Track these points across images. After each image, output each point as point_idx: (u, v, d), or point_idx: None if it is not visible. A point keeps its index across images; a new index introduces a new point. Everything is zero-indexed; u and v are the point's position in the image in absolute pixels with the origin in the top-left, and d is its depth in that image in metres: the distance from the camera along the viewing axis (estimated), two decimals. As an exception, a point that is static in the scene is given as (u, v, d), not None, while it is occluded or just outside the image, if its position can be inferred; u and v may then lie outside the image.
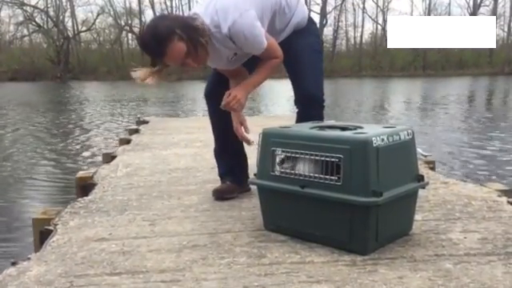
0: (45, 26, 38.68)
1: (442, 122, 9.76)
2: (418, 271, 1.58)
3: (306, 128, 1.94)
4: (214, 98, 2.41)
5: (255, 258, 1.72)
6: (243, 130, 2.28)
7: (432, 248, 1.77)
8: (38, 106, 15.04)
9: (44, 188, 5.16)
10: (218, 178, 2.59)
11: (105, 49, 39.29)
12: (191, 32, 1.98)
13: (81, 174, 3.13)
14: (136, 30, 39.43)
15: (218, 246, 1.85)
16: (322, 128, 1.92)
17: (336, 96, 16.61)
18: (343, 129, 1.87)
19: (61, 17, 39.00)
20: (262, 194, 2.01)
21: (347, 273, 1.58)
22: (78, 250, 1.84)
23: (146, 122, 6.17)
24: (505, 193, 2.44)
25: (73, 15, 39.45)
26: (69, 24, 39.57)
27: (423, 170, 2.97)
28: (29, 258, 1.77)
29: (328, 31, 38.29)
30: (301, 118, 2.29)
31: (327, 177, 1.73)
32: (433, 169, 3.29)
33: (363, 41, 40.91)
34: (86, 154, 7.01)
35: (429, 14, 38.70)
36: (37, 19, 38.74)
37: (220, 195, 2.45)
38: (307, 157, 1.79)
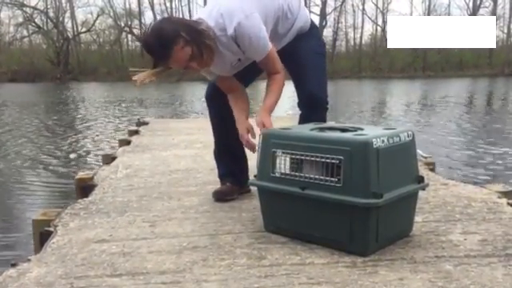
0: (44, 27, 38.64)
1: (442, 124, 9.76)
2: (419, 273, 1.58)
3: (307, 129, 1.94)
4: (215, 100, 2.42)
5: (255, 260, 1.72)
6: (249, 136, 2.25)
7: (432, 249, 1.77)
8: (37, 107, 15.04)
9: (44, 188, 5.16)
10: (218, 179, 2.59)
11: (104, 50, 39.25)
12: (196, 35, 1.98)
13: (81, 175, 3.12)
14: (136, 31, 39.47)
15: (218, 247, 1.85)
16: (322, 129, 1.92)
17: (336, 97, 16.58)
18: (343, 130, 1.87)
19: (60, 18, 38.98)
20: (262, 196, 2.01)
21: (347, 274, 1.58)
22: (78, 251, 1.84)
23: (145, 123, 6.17)
24: (505, 194, 2.44)
25: (72, 16, 39.43)
26: (68, 25, 39.58)
27: (423, 171, 2.97)
28: (29, 260, 1.76)
29: (328, 32, 38.26)
30: (304, 120, 2.29)
31: (327, 178, 1.73)
32: (433, 170, 3.29)
33: (363, 42, 40.94)
34: (84, 154, 7.01)
35: (428, 15, 38.73)
36: (36, 20, 38.74)
37: (220, 197, 2.45)
38: (308, 158, 1.79)
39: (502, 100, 16.22)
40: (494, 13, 36.35)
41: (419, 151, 3.24)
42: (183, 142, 4.49)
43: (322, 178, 1.75)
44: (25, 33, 39.43)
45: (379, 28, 39.64)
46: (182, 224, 2.13)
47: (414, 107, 13.79)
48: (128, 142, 4.66)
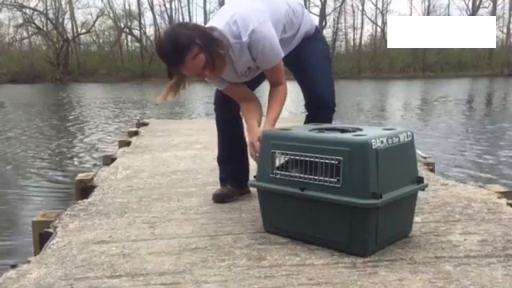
0: (44, 29, 38.65)
1: (442, 124, 9.76)
2: (418, 273, 1.58)
3: (306, 130, 1.94)
4: (223, 105, 2.42)
5: (255, 261, 1.72)
6: (258, 146, 2.12)
7: (432, 250, 1.77)
8: (37, 108, 15.04)
9: (44, 189, 5.15)
10: (218, 180, 2.59)
11: (104, 51, 39.28)
12: (210, 43, 1.97)
13: (81, 176, 3.12)
14: (135, 32, 39.52)
15: (218, 248, 1.85)
16: (321, 130, 1.92)
17: (336, 97, 16.59)
18: (343, 131, 1.87)
19: (60, 19, 39.02)
20: (261, 196, 2.01)
21: (347, 275, 1.59)
22: (77, 252, 1.84)
23: (145, 124, 6.17)
24: (504, 194, 2.44)
25: (72, 17, 39.46)
26: (68, 26, 39.63)
27: (423, 171, 2.97)
28: (29, 261, 1.76)
29: (327, 33, 38.25)
30: (311, 121, 2.30)
31: (327, 179, 1.73)
32: (432, 170, 3.29)
33: (362, 42, 40.99)
34: (84, 155, 7.01)
35: (428, 16, 38.76)
36: (36, 21, 38.76)
37: (220, 199, 2.45)
38: (307, 159, 1.79)
39: (501, 100, 16.22)
40: (493, 13, 36.41)
41: (419, 151, 3.24)
42: (183, 143, 4.49)
43: (321, 178, 1.75)
44: (24, 34, 39.48)
45: (379, 28, 39.73)
46: (182, 225, 2.14)
47: (413, 107, 13.80)
48: (128, 143, 4.66)
